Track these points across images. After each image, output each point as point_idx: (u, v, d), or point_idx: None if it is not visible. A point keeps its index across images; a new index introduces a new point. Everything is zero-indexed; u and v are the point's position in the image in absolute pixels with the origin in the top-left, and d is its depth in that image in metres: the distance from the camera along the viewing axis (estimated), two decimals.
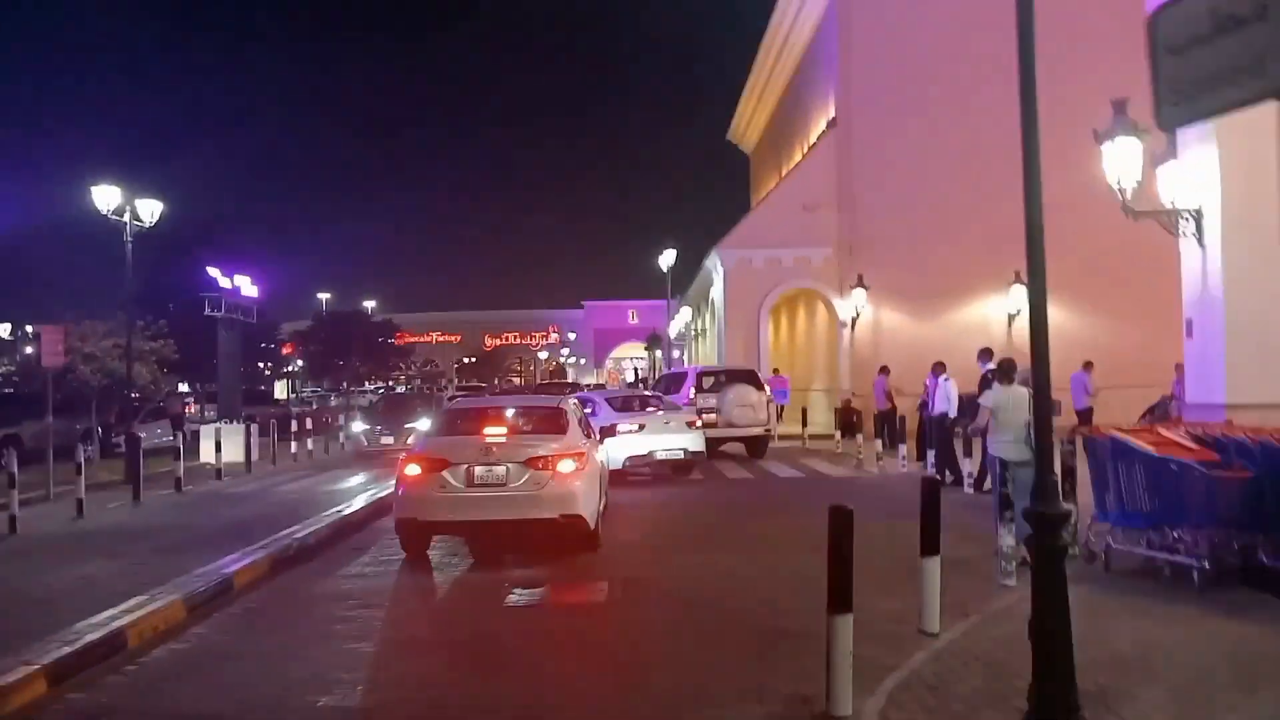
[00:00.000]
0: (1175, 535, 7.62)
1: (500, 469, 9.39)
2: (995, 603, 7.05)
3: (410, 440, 15.96)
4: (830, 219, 27.41)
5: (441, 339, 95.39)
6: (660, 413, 17.09)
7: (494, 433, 10.16)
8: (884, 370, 21.48)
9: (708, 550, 9.83)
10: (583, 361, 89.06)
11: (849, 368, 27.09)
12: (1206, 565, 7.20)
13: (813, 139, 29.76)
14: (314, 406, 42.35)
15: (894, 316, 27.18)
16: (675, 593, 8.12)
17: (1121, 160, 9.60)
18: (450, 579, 9.25)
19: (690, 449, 16.69)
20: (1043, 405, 4.57)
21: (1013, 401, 8.73)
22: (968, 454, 14.01)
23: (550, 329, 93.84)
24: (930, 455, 15.62)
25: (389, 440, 21.82)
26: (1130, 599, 7.22)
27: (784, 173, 31.81)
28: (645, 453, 16.28)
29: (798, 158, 31.16)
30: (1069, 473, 8.77)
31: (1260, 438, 7.43)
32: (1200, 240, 9.61)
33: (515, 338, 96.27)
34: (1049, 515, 4.35)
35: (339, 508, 13.00)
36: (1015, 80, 4.60)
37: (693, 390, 20.11)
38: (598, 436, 13.04)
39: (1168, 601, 7.06)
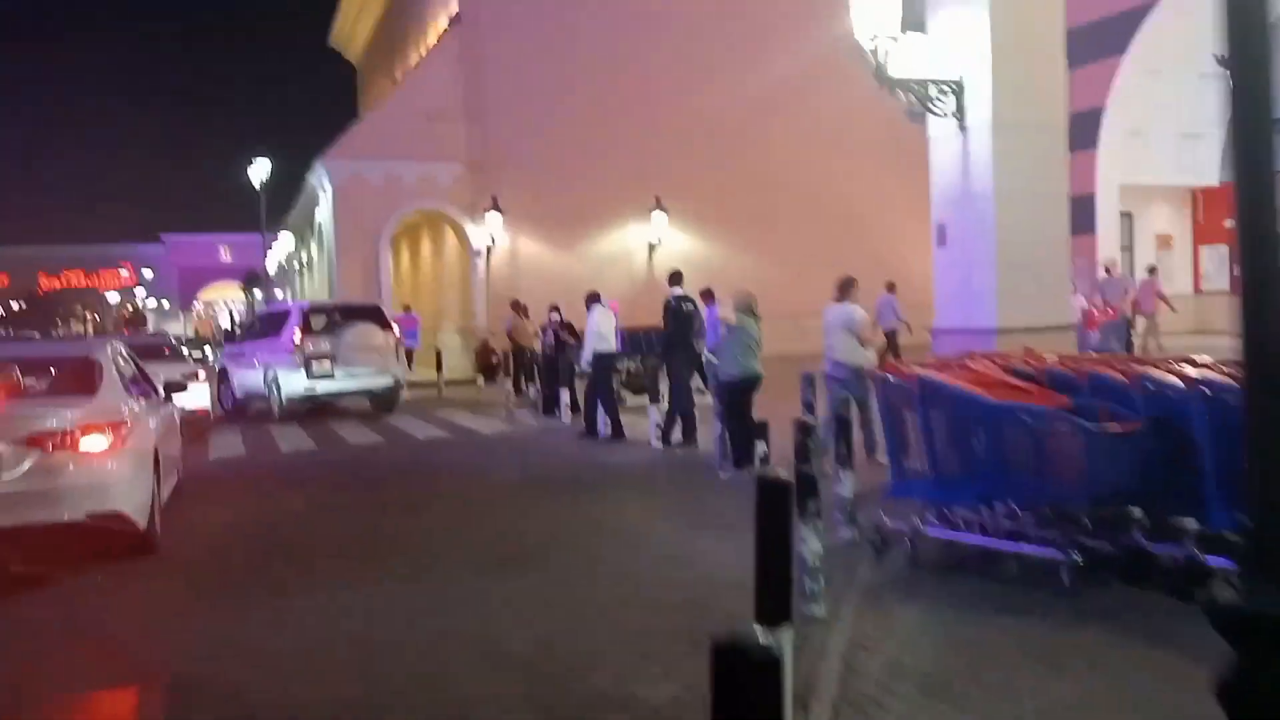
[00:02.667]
0: (1010, 514, 5.44)
1: None
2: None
3: None
4: (458, 132, 23.87)
5: None
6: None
7: None
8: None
9: (333, 572, 6.31)
10: (166, 305, 77.53)
11: (485, 302, 24.00)
12: (1076, 557, 5.05)
13: (433, 40, 25.86)
14: None
15: (532, 245, 24.46)
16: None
17: (875, 10, 7.30)
18: None
19: None
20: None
21: None
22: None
23: (123, 266, 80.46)
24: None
25: None
26: (972, 614, 4.92)
27: (401, 81, 27.53)
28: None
29: (416, 64, 27.06)
30: (843, 426, 6.37)
31: (1128, 373, 5.38)
32: (961, 122, 7.65)
33: (80, 277, 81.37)
34: None
35: None
36: None
37: (298, 331, 15.88)
38: (161, 392, 9.32)
39: (1030, 615, 4.84)
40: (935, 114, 7.66)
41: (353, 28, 39.05)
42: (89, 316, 79.22)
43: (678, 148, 24.63)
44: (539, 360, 15.91)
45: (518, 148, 23.74)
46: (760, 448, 9.35)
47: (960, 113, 7.66)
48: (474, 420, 15.20)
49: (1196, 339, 20.36)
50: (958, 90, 7.63)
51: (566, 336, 14.99)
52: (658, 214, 24.76)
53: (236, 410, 17.77)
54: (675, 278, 11.65)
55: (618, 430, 11.96)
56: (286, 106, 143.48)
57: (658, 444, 11.19)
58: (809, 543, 4.82)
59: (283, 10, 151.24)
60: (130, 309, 77.76)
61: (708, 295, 14.57)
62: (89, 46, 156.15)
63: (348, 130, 24.56)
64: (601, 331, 12.30)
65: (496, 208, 23.46)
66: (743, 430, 9.13)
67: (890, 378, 5.90)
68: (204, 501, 9.39)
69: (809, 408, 6.12)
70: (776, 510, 3.23)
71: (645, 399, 12.70)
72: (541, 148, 23.82)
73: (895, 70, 7.41)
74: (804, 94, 25.64)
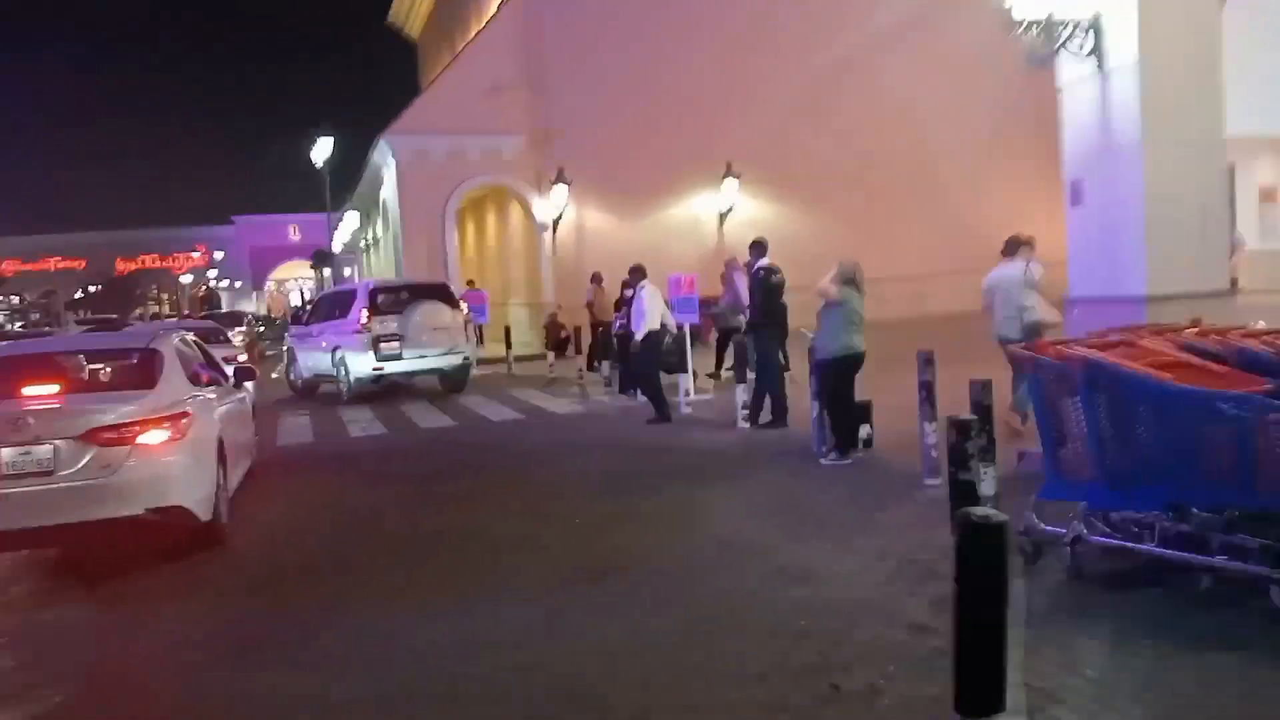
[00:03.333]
0: (1203, 522, 4.56)
1: (44, 450, 6.33)
2: None
3: None
4: (521, 103, 23.15)
5: (62, 265, 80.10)
6: None
7: (35, 394, 6.93)
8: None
9: (401, 586, 5.68)
10: (239, 285, 78.62)
11: (553, 277, 23.34)
12: None
13: (494, 10, 25.12)
14: None
15: (597, 216, 23.71)
16: None
17: None
18: None
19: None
20: None
21: None
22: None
23: (196, 248, 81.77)
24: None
25: None
26: (1176, 646, 4.06)
27: (462, 53, 26.85)
28: None
29: (476, 35, 26.34)
30: (981, 411, 5.50)
31: None
32: (1101, 64, 6.68)
33: (154, 260, 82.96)
34: None
35: None
36: None
37: (365, 312, 15.39)
38: (232, 378, 9.27)
39: (1250, 647, 3.98)
40: (1072, 53, 6.70)
41: (411, 3, 38.52)
42: (164, 297, 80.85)
43: (750, 111, 23.62)
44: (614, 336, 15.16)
45: (582, 118, 22.96)
46: (864, 431, 8.57)
47: (1100, 53, 6.68)
48: (547, 399, 14.58)
49: None
50: (1097, 27, 6.66)
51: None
52: (729, 181, 23.80)
53: (306, 391, 17.47)
54: (758, 246, 10.79)
55: (664, 414, 11.29)
56: (350, 87, 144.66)
57: (745, 425, 10.41)
58: None
59: None
60: (205, 289, 79.18)
61: (733, 263, 13.73)
62: (159, 35, 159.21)
63: (410, 106, 24.02)
64: (652, 310, 11.56)
65: (562, 179, 22.74)
66: (844, 413, 8.32)
67: (1045, 359, 5.02)
68: (269, 494, 8.92)
69: (978, 408, 5.19)
70: (988, 564, 2.43)
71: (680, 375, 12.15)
72: (606, 116, 23.01)
73: (1026, 8, 6.47)
74: (885, 51, 24.38)
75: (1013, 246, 8.32)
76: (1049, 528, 5.13)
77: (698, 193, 24.09)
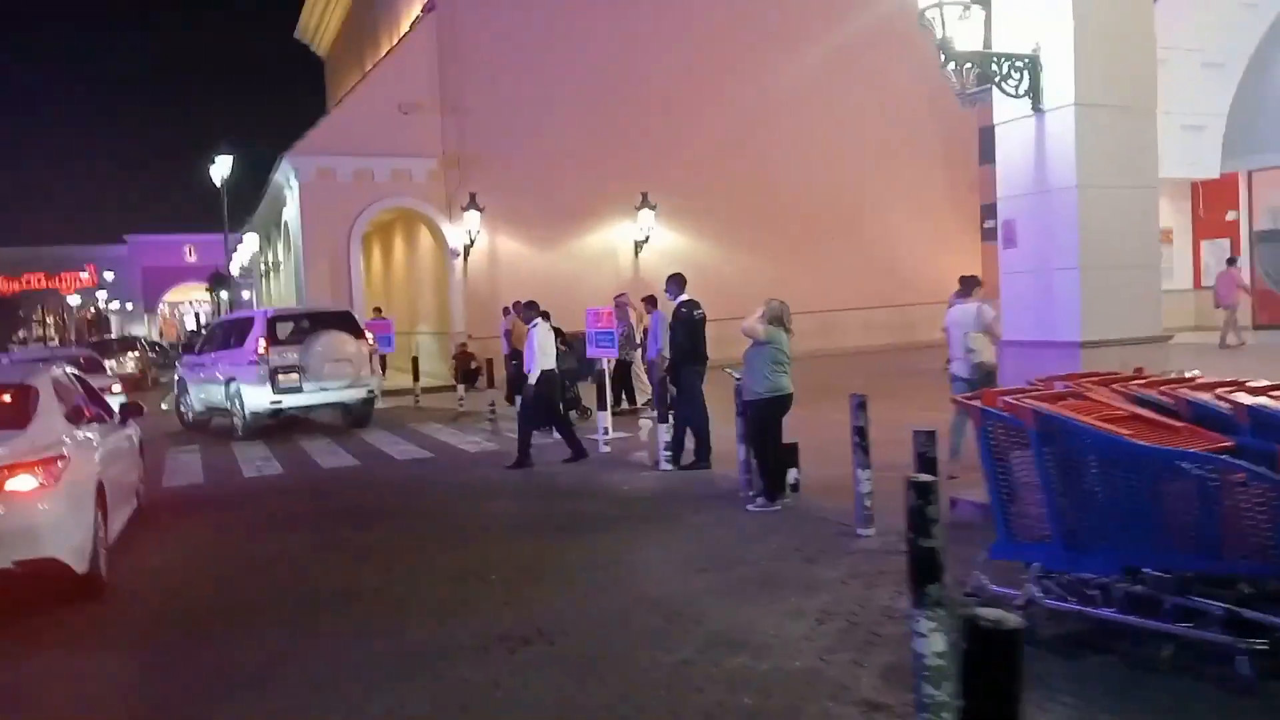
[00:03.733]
0: (1161, 585, 4.34)
1: None
2: None
3: None
4: (433, 125, 22.53)
5: None
6: None
7: None
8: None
9: (294, 651, 5.07)
10: (130, 307, 75.22)
11: (464, 305, 22.71)
12: (1260, 641, 3.97)
13: (407, 28, 24.50)
14: None
15: (511, 244, 23.18)
16: None
17: None
18: None
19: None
20: None
21: None
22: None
23: (85, 268, 77.93)
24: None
25: None
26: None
27: (372, 72, 26.09)
28: None
29: (388, 53, 25.64)
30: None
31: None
32: (1037, 103, 6.55)
33: (40, 280, 78.75)
34: None
35: None
36: None
37: (262, 341, 14.54)
38: (118, 415, 8.79)
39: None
40: (1007, 93, 6.56)
41: (320, 18, 37.50)
42: (49, 320, 76.82)
43: (667, 141, 23.53)
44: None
45: (497, 142, 22.49)
46: (792, 475, 8.27)
47: (1035, 93, 6.56)
48: (456, 435, 13.97)
49: (1195, 336, 19.57)
50: (1033, 67, 6.55)
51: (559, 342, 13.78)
52: (645, 211, 23.58)
53: (197, 424, 16.48)
54: (677, 281, 10.45)
55: (579, 451, 10.90)
56: (254, 103, 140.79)
57: (668, 466, 10.03)
58: (930, 640, 3.68)
59: (249, 2, 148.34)
60: (93, 312, 75.51)
61: (650, 302, 13.63)
62: (50, 42, 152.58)
63: (316, 125, 23.17)
64: (545, 348, 11.14)
65: (475, 205, 22.18)
66: (772, 456, 8.02)
67: (993, 411, 4.77)
68: (154, 540, 8.19)
69: (923, 460, 4.93)
70: (1001, 676, 2.07)
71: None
72: (522, 141, 22.59)
73: (961, 44, 6.31)
74: (803, 86, 24.65)
75: (968, 286, 8.39)
76: (999, 589, 4.86)
77: (615, 222, 23.80)
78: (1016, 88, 6.55)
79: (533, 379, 10.97)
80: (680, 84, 23.67)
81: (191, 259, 72.99)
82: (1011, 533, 4.81)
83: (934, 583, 3.74)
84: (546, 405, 11.17)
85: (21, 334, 68.74)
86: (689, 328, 10.10)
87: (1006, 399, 4.73)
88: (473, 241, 22.51)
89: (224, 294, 46.27)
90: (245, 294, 45.88)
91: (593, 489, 9.47)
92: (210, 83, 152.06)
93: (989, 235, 27.73)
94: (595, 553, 6.94)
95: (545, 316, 14.08)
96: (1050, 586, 4.73)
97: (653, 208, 23.52)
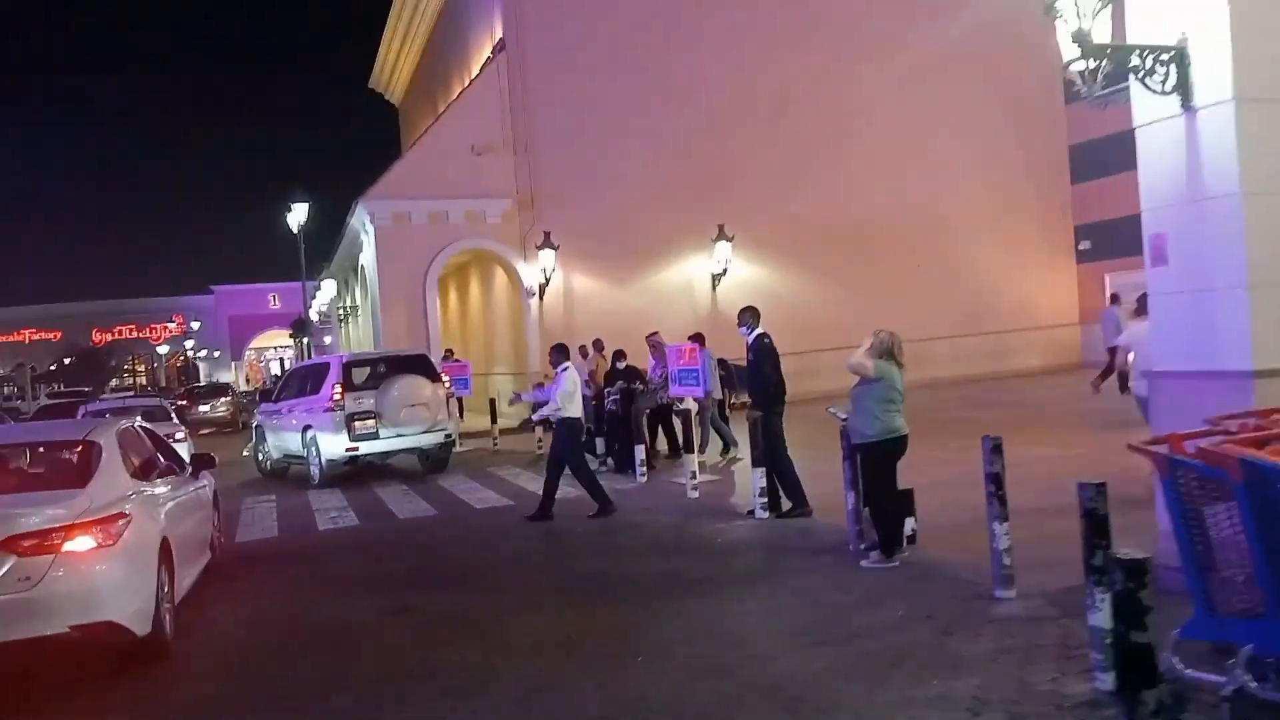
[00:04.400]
0: None
1: None
2: None
3: None
4: (505, 165, 22.31)
5: (36, 336, 78.41)
6: None
7: None
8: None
9: None
10: (217, 355, 77.16)
11: (540, 344, 22.26)
12: None
13: (477, 70, 24.45)
14: None
15: (586, 282, 22.74)
16: None
17: None
18: None
19: None
20: None
21: None
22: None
23: (173, 318, 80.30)
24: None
25: None
26: None
27: (444, 114, 26.08)
28: None
29: (459, 95, 25.62)
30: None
31: None
32: (1186, 99, 5.73)
33: (131, 331, 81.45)
34: None
35: None
36: None
37: (338, 388, 14.22)
38: (189, 468, 8.54)
39: None
40: (1151, 90, 5.76)
41: (393, 67, 38.00)
42: (140, 369, 79.26)
43: (743, 171, 22.88)
44: (605, 410, 14.01)
45: (569, 180, 22.13)
46: (909, 525, 7.45)
47: (1185, 88, 5.74)
48: (535, 480, 13.35)
49: None
50: (1180, 59, 5.74)
51: (636, 382, 13.17)
52: (721, 244, 22.93)
53: (274, 473, 16.23)
54: (753, 313, 9.57)
55: (607, 506, 10.17)
56: (331, 152, 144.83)
57: (764, 514, 9.25)
58: None
59: (324, 57, 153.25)
60: (183, 359, 77.67)
61: (700, 340, 12.57)
62: (138, 104, 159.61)
63: (389, 169, 23.14)
64: (571, 394, 10.46)
65: (549, 243, 21.81)
66: (888, 506, 7.21)
67: (1184, 459, 3.94)
68: (224, 599, 7.76)
69: (1093, 519, 4.09)
70: None
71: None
72: (594, 178, 22.19)
73: (1094, 34, 5.55)
74: (882, 107, 23.82)
75: (1144, 304, 7.61)
76: (1197, 674, 3.99)
77: (690, 255, 23.19)
78: (1163, 83, 5.75)
79: (556, 422, 10.37)
80: (753, 109, 23.05)
81: (275, 306, 74.61)
82: (1211, 606, 3.95)
83: (1149, 687, 2.95)
84: (570, 454, 10.47)
85: (114, 383, 71.05)
86: (774, 361, 9.32)
87: (1201, 445, 3.90)
88: (548, 280, 22.13)
89: (306, 339, 46.89)
90: (327, 339, 46.42)
91: (684, 541, 8.74)
92: (290, 136, 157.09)
93: (1084, 257, 26.36)
94: (692, 620, 6.21)
95: (621, 356, 13.51)
96: (1268, 673, 3.85)
97: (729, 239, 22.86)
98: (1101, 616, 4.25)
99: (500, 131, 22.20)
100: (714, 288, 23.31)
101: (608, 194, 22.19)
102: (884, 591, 6.40)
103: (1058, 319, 25.82)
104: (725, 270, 23.15)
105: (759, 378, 9.45)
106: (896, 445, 7.18)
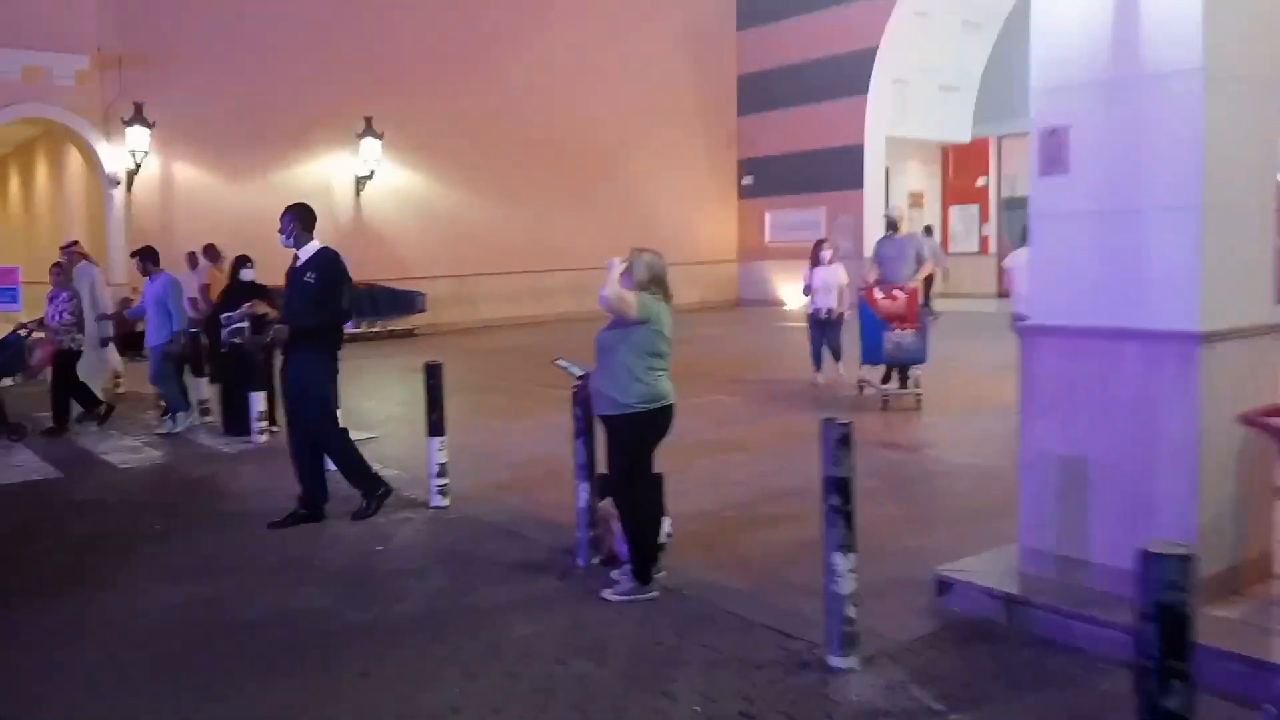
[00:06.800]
0: None
1: None
2: None
3: None
4: (86, 9, 17.04)
5: None
6: None
7: None
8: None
9: None
10: None
11: (126, 249, 17.44)
12: None
13: None
14: None
15: (194, 173, 18.22)
16: None
17: None
18: None
19: None
20: None
21: None
22: None
23: None
24: None
25: None
26: None
27: None
28: None
29: None
30: None
31: None
32: None
33: None
34: None
35: None
36: None
37: None
38: None
39: None
40: None
41: None
42: None
43: (398, 57, 19.46)
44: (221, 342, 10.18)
45: (175, 37, 17.47)
46: (666, 526, 5.17)
47: None
48: (105, 441, 9.59)
49: (944, 302, 18.84)
50: None
51: (260, 306, 9.50)
52: (369, 140, 19.40)
53: None
54: (304, 215, 6.66)
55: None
56: None
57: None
58: None
59: None
60: None
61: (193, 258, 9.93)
62: None
63: None
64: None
65: (142, 119, 17.02)
66: (646, 511, 4.86)
67: None
68: None
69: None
70: None
71: None
72: (210, 42, 17.72)
73: None
74: (564, 10, 21.34)
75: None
76: None
77: (331, 151, 19.43)
78: None
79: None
80: None
81: None
82: None
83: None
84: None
85: None
86: (347, 284, 6.51)
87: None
88: (138, 166, 17.34)
89: None
90: None
91: (319, 552, 5.85)
92: None
93: (746, 193, 25.80)
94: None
95: (245, 263, 9.93)
96: None
97: (379, 136, 19.42)
98: None
99: None
100: (358, 193, 19.81)
101: (227, 62, 17.83)
102: (656, 658, 4.05)
103: (718, 255, 25.17)
104: (373, 174, 19.70)
105: (311, 307, 6.44)
106: (661, 419, 4.83)
